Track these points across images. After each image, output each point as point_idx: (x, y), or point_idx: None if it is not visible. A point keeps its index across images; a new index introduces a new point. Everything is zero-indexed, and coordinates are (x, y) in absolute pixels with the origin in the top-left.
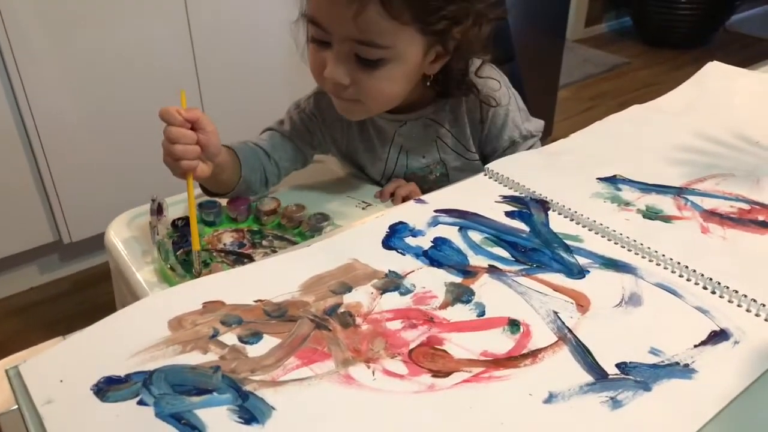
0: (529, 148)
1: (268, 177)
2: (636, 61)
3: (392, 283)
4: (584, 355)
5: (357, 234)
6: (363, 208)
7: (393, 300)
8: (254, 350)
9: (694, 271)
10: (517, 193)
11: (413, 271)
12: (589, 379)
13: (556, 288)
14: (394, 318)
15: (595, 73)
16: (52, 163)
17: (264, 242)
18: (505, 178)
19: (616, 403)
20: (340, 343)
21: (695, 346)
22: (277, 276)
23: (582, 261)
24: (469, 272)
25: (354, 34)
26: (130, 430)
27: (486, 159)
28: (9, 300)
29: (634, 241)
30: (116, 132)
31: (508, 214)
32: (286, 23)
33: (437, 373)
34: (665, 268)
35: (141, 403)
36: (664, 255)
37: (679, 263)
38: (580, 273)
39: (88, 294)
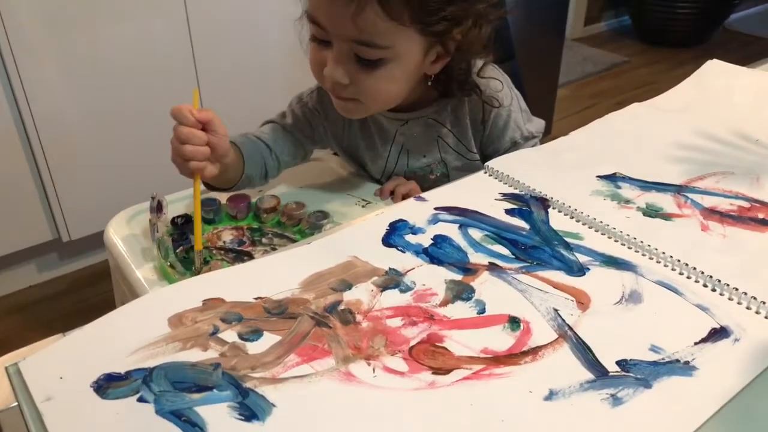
0: None
1: (268, 171)
2: (635, 59)
3: (392, 280)
4: (585, 353)
5: (357, 231)
6: (363, 206)
7: (393, 297)
8: (254, 347)
9: (695, 268)
10: (517, 191)
11: (413, 269)
12: (590, 376)
13: (556, 285)
14: (394, 315)
15: (594, 72)
16: (51, 161)
17: (264, 240)
18: (506, 175)
19: (616, 401)
20: (341, 341)
21: (695, 343)
22: (277, 273)
23: (582, 258)
24: (469, 270)
25: (353, 34)
26: (130, 427)
27: (487, 159)
28: (8, 298)
29: (635, 238)
30: (115, 130)
31: (509, 211)
32: (285, 21)
33: (437, 371)
34: (665, 265)
35: (141, 400)
36: (664, 253)
37: (679, 261)
38: (580, 270)
39: (87, 292)
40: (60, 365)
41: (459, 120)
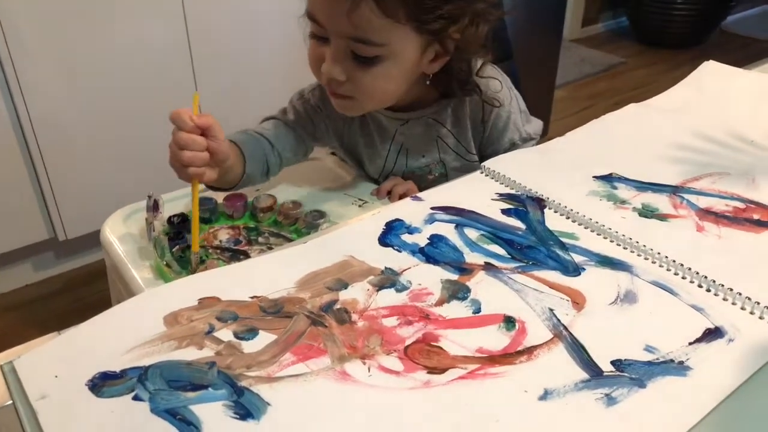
0: None
1: (270, 168)
2: (632, 60)
3: (388, 279)
4: (579, 352)
5: (353, 231)
6: (360, 206)
7: (389, 297)
8: (250, 346)
9: (690, 269)
10: (513, 191)
11: (409, 268)
12: (584, 376)
13: (551, 285)
14: (390, 315)
15: (591, 73)
16: (48, 160)
17: (260, 239)
18: (502, 175)
19: (610, 400)
20: (336, 340)
21: (690, 343)
22: (273, 272)
23: (578, 259)
24: (465, 269)
25: (349, 31)
26: (124, 425)
27: (485, 161)
28: (4, 297)
29: (630, 239)
30: (112, 129)
31: (505, 211)
32: (283, 21)
33: (433, 370)
34: (661, 266)
35: (136, 398)
36: (659, 253)
37: (674, 261)
38: (575, 270)
39: (83, 291)
40: (55, 363)
41: (459, 120)
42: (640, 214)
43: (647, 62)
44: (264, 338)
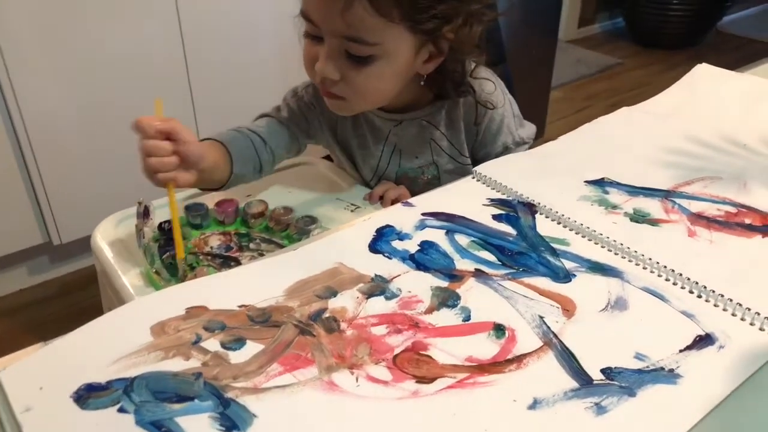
0: None
1: (263, 165)
2: (629, 61)
3: (378, 287)
4: (569, 361)
5: (343, 238)
6: (352, 211)
7: (378, 305)
8: (237, 356)
9: (681, 274)
10: (504, 196)
11: (399, 275)
12: (574, 384)
13: (542, 292)
14: (379, 323)
15: (588, 74)
16: (42, 164)
17: (251, 245)
18: (493, 181)
19: (600, 409)
20: (324, 349)
21: (680, 351)
22: (261, 280)
23: (568, 265)
24: (455, 276)
25: (343, 30)
26: None
27: (477, 164)
28: None
29: (621, 244)
30: (106, 133)
31: (496, 217)
32: (277, 20)
33: (421, 379)
34: (652, 272)
35: (121, 410)
36: (650, 259)
37: (665, 267)
38: (566, 277)
39: (78, 296)
40: (40, 375)
41: (453, 123)
42: (632, 219)
43: (644, 63)
44: (251, 348)
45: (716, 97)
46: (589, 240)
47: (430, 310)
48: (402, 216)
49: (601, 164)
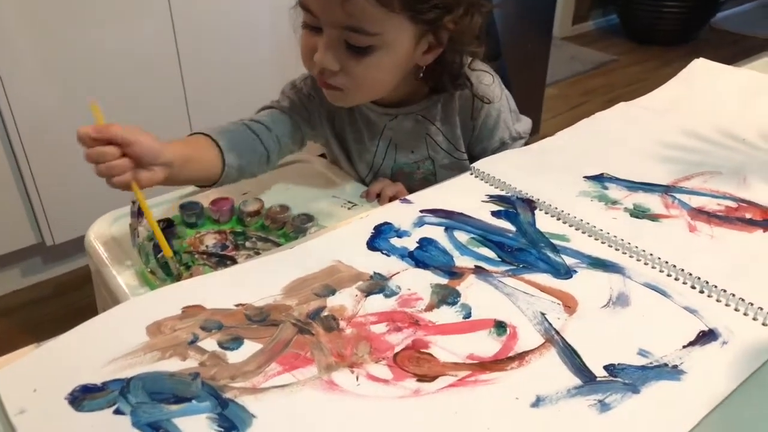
0: None
1: (270, 154)
2: (623, 58)
3: (377, 285)
4: (572, 357)
5: (341, 235)
6: (349, 208)
7: (378, 302)
8: (235, 356)
9: (682, 270)
10: (503, 193)
11: (398, 273)
12: (577, 381)
13: (543, 289)
14: (378, 321)
15: (582, 71)
16: (34, 164)
17: (247, 244)
18: (492, 177)
19: (604, 406)
20: (323, 348)
21: (684, 346)
22: (259, 279)
23: (569, 261)
24: (455, 273)
25: (343, 19)
26: None
27: (474, 159)
28: None
29: (622, 240)
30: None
31: (495, 213)
32: (271, 20)
33: (422, 378)
34: (653, 267)
35: (117, 412)
36: (651, 254)
37: (667, 262)
38: (567, 273)
39: (72, 297)
40: (34, 377)
41: (449, 117)
42: (632, 215)
43: (638, 59)
44: (249, 348)
45: (714, 92)
46: (590, 236)
47: (430, 308)
48: (400, 213)
49: (599, 160)
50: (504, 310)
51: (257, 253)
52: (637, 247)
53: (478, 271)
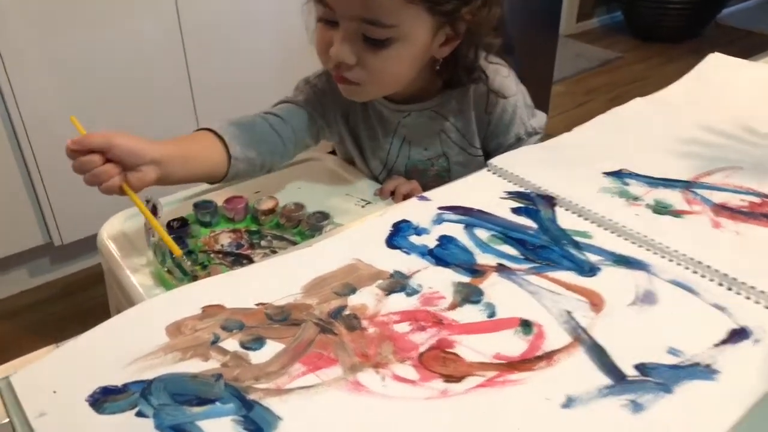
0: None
1: (286, 144)
2: (628, 55)
3: (398, 283)
4: (601, 357)
5: (359, 233)
6: (362, 206)
7: (399, 301)
8: (257, 356)
9: (709, 267)
10: (522, 189)
11: (419, 271)
12: (608, 381)
13: (567, 286)
14: (401, 320)
15: (587, 68)
16: (42, 163)
17: (263, 242)
18: (509, 173)
19: (637, 407)
20: (347, 348)
21: (715, 345)
22: (278, 278)
23: (592, 258)
24: (477, 271)
25: (360, 12)
26: None
27: (489, 155)
28: None
29: (645, 236)
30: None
31: (515, 210)
32: (277, 15)
33: (449, 378)
34: (678, 264)
35: (139, 414)
36: (676, 251)
37: (692, 259)
38: (591, 270)
39: (80, 297)
40: (53, 378)
41: (463, 113)
42: (654, 211)
43: (643, 57)
44: (272, 348)
45: (730, 86)
46: (612, 232)
47: (452, 307)
48: (418, 210)
49: (618, 156)
50: (529, 308)
51: (273, 252)
52: (661, 243)
53: (501, 269)
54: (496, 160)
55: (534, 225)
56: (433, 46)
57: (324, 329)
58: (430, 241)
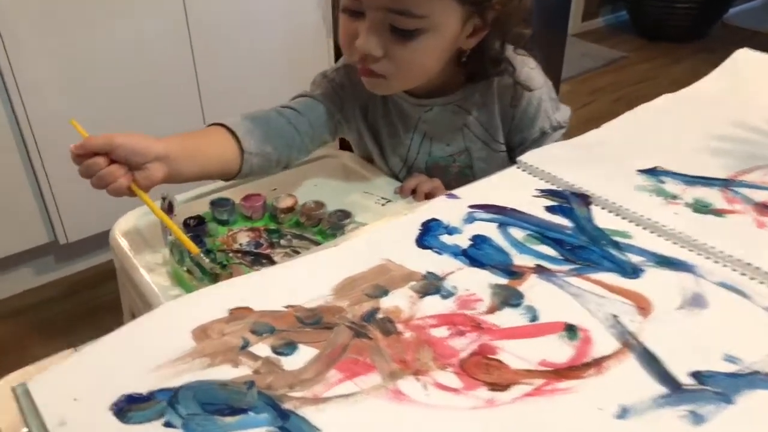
0: (556, 140)
1: (303, 138)
2: (633, 55)
3: (432, 285)
4: (653, 364)
5: (388, 232)
6: (383, 205)
7: (434, 304)
8: (290, 362)
9: (758, 268)
10: (554, 187)
11: (453, 272)
12: (663, 390)
13: (611, 289)
14: (438, 324)
15: (593, 68)
16: (47, 161)
17: (282, 242)
18: (540, 170)
19: (697, 418)
20: (384, 353)
21: None
22: (306, 278)
23: (634, 259)
24: (514, 273)
25: (388, 2)
26: None
27: (512, 150)
28: (3, 303)
29: (688, 236)
30: (113, 129)
31: (549, 208)
32: (286, 18)
33: (494, 386)
34: (725, 266)
35: (167, 425)
36: (722, 252)
37: (740, 261)
38: (634, 272)
39: (86, 296)
40: (74, 385)
41: (487, 106)
42: (694, 210)
43: (649, 56)
44: (305, 353)
45: (762, 82)
46: (651, 232)
47: (491, 310)
48: (447, 209)
49: (650, 153)
50: (573, 312)
51: (294, 252)
52: (705, 243)
53: (540, 270)
54: (525, 157)
55: (570, 224)
56: (461, 37)
57: (358, 333)
58: (462, 240)
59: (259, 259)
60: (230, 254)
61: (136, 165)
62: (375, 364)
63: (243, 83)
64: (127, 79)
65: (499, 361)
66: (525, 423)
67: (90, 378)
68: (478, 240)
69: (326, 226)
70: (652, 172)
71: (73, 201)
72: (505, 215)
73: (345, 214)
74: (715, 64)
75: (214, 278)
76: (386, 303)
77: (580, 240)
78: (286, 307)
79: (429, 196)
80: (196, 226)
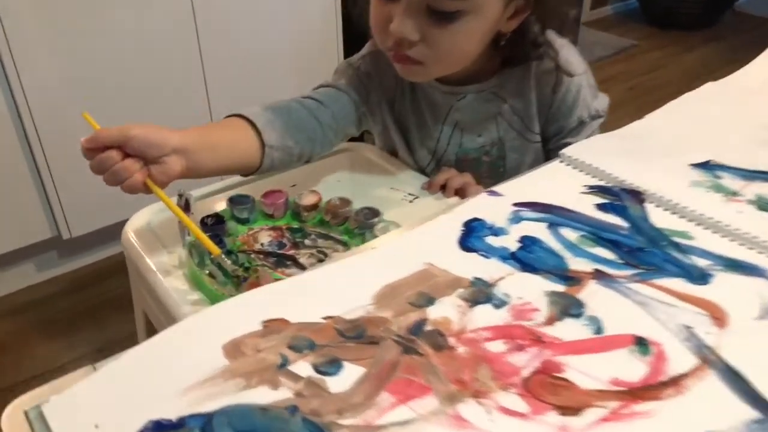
0: (593, 130)
1: (326, 131)
2: (644, 43)
3: (481, 293)
4: (739, 383)
5: (427, 233)
6: (410, 201)
7: (486, 314)
8: (336, 383)
9: None
10: (603, 183)
11: (503, 278)
12: (755, 414)
13: (680, 296)
14: (494, 337)
15: (603, 56)
16: (50, 155)
17: (307, 242)
18: (587, 165)
19: None
20: (438, 372)
21: None
22: (343, 286)
23: (700, 262)
24: (571, 278)
25: None
26: None
27: (547, 141)
28: (6, 299)
29: (756, 237)
30: (117, 124)
31: (600, 206)
32: (294, 10)
33: (565, 410)
34: None
35: None
36: None
37: None
38: (702, 278)
39: (89, 292)
40: (93, 408)
41: (523, 93)
42: (759, 208)
43: (659, 44)
44: (350, 372)
45: None
46: (714, 232)
47: (550, 321)
48: (490, 207)
49: (701, 145)
50: (641, 323)
51: (320, 252)
52: None
53: (599, 275)
54: (569, 150)
55: (625, 224)
56: (502, 19)
57: (407, 349)
58: (510, 242)
59: (283, 260)
60: (252, 255)
61: (152, 158)
62: (430, 385)
63: (251, 77)
64: (132, 73)
65: (567, 381)
66: None
67: (112, 400)
68: (528, 242)
69: (353, 225)
70: (706, 166)
71: (76, 195)
72: (553, 214)
73: (373, 212)
74: (726, 52)
75: (237, 281)
76: (433, 313)
77: (637, 241)
78: (325, 318)
79: (459, 192)
80: (214, 225)
